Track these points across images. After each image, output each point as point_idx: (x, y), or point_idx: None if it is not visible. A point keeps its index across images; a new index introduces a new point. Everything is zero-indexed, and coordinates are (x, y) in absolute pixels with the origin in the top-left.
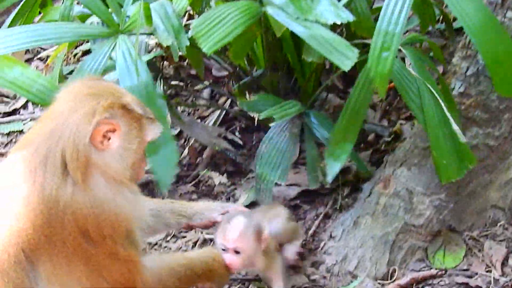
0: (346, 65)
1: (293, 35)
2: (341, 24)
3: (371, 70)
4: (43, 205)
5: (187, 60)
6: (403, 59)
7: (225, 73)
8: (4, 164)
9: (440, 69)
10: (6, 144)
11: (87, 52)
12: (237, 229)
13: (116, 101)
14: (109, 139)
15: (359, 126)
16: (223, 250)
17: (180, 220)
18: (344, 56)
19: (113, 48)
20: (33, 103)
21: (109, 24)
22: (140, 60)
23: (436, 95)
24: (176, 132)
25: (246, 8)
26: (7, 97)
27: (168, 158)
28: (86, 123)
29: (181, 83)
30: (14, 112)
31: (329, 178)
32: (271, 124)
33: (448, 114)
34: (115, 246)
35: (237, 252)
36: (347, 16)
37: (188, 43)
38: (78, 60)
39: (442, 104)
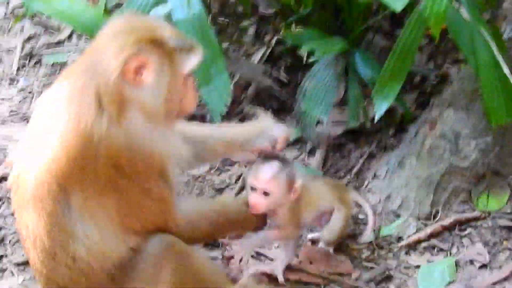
0: (397, 6)
1: None
2: None
3: (426, 10)
4: (77, 137)
5: None
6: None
7: (272, 10)
8: (46, 95)
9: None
10: (50, 75)
11: None
12: (270, 171)
13: (146, 35)
14: (141, 74)
15: (408, 67)
16: (252, 189)
17: (230, 149)
18: None
19: None
20: (77, 35)
21: None
22: None
23: (488, 38)
24: None
25: None
26: (52, 28)
27: (221, 88)
28: (114, 59)
29: (227, 20)
30: (59, 43)
31: (377, 116)
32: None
33: (500, 58)
34: (148, 182)
35: (265, 195)
36: None
37: None
38: None
39: (494, 48)
